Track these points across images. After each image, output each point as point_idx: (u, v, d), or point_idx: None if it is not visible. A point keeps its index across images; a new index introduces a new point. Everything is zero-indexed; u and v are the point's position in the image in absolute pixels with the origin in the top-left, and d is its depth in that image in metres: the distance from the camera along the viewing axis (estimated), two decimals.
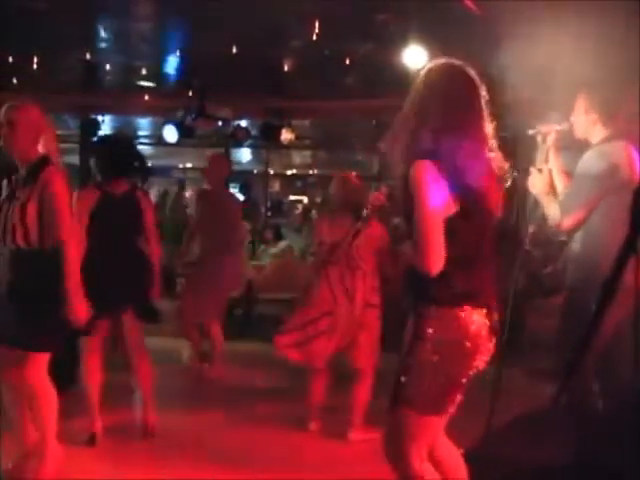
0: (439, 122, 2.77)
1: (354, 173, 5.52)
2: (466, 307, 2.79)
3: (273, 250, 10.30)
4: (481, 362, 2.85)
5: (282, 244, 10.55)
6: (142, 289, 4.87)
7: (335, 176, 5.36)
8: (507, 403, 3.96)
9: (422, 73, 2.90)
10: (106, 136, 5.46)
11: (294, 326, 5.10)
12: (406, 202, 2.77)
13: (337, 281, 5.02)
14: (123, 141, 5.36)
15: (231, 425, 5.36)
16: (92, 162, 4.93)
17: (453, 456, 3.03)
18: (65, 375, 5.14)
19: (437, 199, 2.69)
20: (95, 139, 9.52)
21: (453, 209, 2.73)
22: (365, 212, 4.36)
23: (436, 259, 2.69)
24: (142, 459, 4.68)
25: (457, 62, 2.89)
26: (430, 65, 2.91)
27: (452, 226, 2.72)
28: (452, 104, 2.81)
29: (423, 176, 2.71)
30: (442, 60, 2.90)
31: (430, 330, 2.77)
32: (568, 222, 3.79)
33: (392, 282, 5.32)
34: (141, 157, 5.14)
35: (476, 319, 2.79)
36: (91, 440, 4.76)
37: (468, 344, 2.78)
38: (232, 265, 6.61)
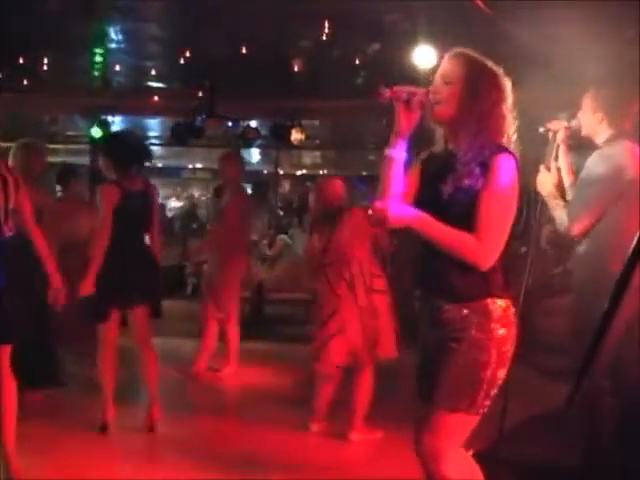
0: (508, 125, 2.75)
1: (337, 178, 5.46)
2: (509, 301, 2.78)
3: (270, 252, 10.24)
4: None
5: (279, 242, 10.47)
6: (153, 284, 5.00)
7: (317, 181, 5.37)
8: (516, 403, 3.96)
9: (479, 64, 2.77)
10: (119, 133, 5.49)
11: (315, 332, 5.10)
12: (463, 188, 2.68)
13: (336, 278, 4.99)
14: (135, 137, 5.41)
15: (233, 425, 5.36)
16: (106, 159, 4.93)
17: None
18: None
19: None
20: (106, 136, 9.55)
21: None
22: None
23: (496, 255, 2.67)
24: (144, 458, 4.73)
25: None
26: (478, 59, 2.78)
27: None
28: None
29: (514, 173, 2.68)
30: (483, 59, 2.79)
31: (492, 326, 2.71)
32: (575, 229, 3.80)
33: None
34: (149, 151, 5.27)
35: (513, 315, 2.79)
36: (102, 429, 4.86)
37: (514, 337, 2.77)
38: (241, 263, 6.67)
